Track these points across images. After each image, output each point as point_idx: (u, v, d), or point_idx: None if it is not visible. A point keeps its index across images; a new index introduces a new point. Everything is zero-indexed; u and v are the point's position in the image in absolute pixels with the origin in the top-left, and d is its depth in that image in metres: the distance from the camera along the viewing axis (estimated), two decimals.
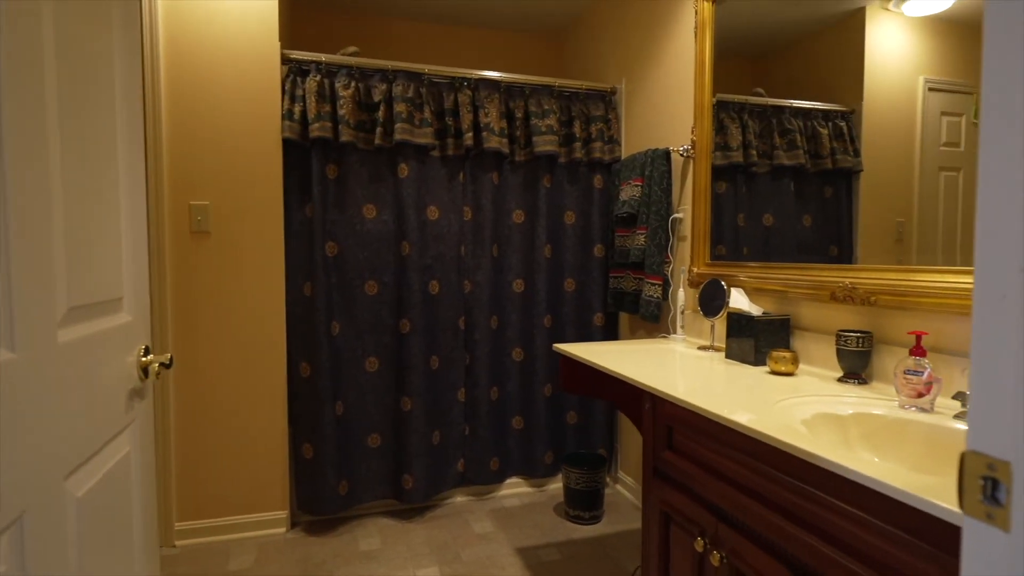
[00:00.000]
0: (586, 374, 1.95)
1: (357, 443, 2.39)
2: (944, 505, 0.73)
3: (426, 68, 2.39)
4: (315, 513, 2.32)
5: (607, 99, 2.69)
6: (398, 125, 2.31)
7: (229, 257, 2.22)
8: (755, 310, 1.71)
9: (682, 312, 2.13)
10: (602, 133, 2.64)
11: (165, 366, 1.07)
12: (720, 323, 1.97)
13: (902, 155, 1.46)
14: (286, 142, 2.27)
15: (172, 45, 2.12)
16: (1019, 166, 0.45)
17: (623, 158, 2.63)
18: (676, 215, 2.27)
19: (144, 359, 1.05)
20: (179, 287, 2.18)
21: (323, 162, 2.30)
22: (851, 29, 1.59)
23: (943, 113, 1.37)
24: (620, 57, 2.70)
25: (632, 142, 2.63)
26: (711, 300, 1.86)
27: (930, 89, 1.41)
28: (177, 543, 2.21)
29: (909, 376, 1.19)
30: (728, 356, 1.74)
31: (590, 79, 3.00)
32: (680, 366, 1.62)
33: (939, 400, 1.21)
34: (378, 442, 2.42)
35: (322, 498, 2.30)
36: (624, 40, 2.67)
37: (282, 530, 2.32)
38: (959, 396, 1.09)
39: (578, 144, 2.60)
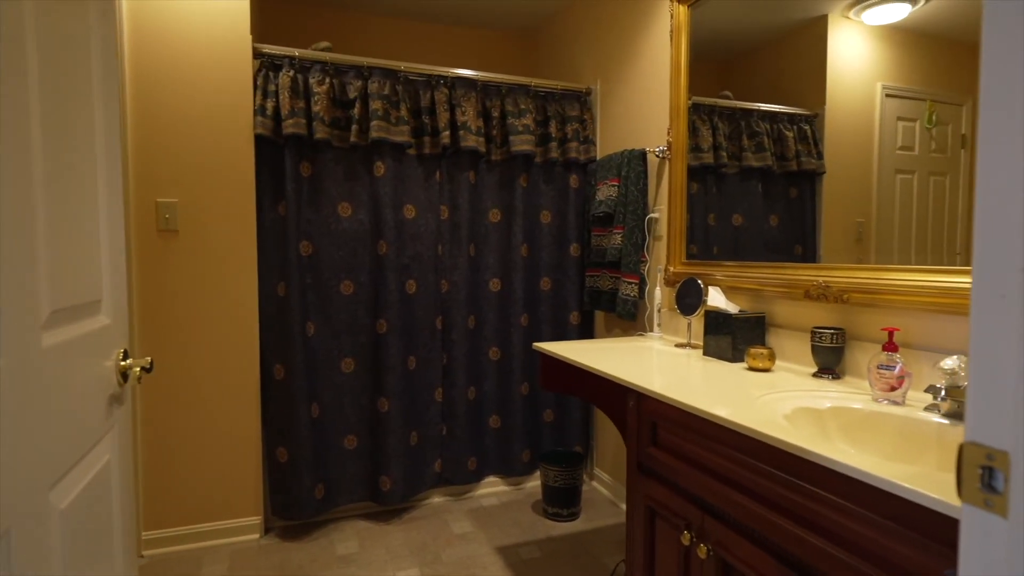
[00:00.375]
0: (566, 372, 1.96)
1: (333, 445, 2.35)
2: (928, 493, 0.77)
3: (402, 65, 2.36)
4: (290, 518, 2.27)
5: (582, 99, 2.71)
6: (374, 123, 2.28)
7: (199, 256, 2.16)
8: (732, 308, 1.75)
9: (659, 310, 2.17)
10: (578, 133, 2.66)
11: (146, 370, 1.03)
12: (696, 321, 2.01)
13: (861, 158, 1.52)
14: (258, 138, 2.22)
15: (137, 35, 2.04)
16: (1018, 167, 0.48)
17: (599, 158, 2.66)
18: (652, 215, 2.30)
19: (123, 363, 1.01)
20: (146, 288, 2.10)
21: (297, 159, 2.25)
22: (814, 36, 1.65)
23: (899, 118, 1.44)
24: (595, 58, 2.73)
25: (607, 142, 2.66)
26: (688, 298, 1.90)
27: (887, 95, 1.47)
28: (144, 553, 2.13)
29: (882, 371, 1.24)
30: (706, 353, 1.78)
31: (564, 79, 3.02)
32: (661, 363, 1.65)
33: (910, 393, 1.26)
34: (355, 444, 2.39)
35: (298, 502, 2.25)
36: (599, 41, 2.70)
37: (256, 536, 2.26)
38: (931, 389, 1.15)
39: (554, 144, 2.62)
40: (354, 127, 2.28)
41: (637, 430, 1.44)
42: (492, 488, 2.71)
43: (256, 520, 2.27)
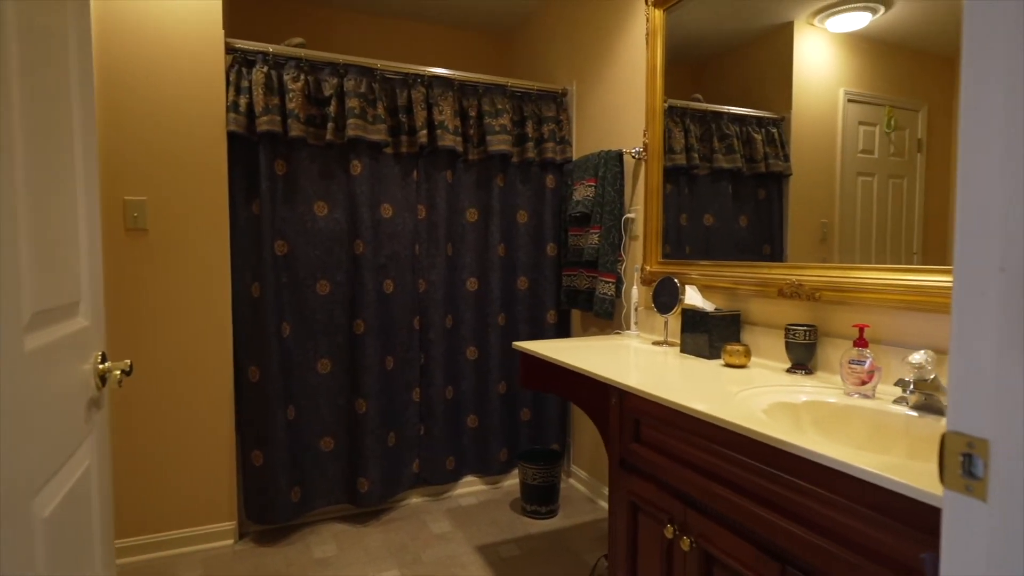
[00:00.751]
0: (546, 371, 1.97)
1: (310, 447, 2.32)
2: (905, 481, 0.81)
3: (378, 63, 2.34)
4: (266, 522, 2.23)
5: (558, 100, 2.74)
6: (351, 121, 2.26)
7: (169, 256, 2.10)
8: (708, 306, 1.79)
9: (636, 309, 2.21)
10: (554, 134, 2.68)
11: (126, 373, 1.00)
12: (673, 319, 2.06)
13: (825, 161, 1.58)
14: (231, 135, 2.17)
15: (103, 27, 1.97)
16: (997, 170, 0.51)
17: (575, 159, 2.68)
18: (629, 215, 2.34)
19: (101, 366, 0.98)
20: (113, 288, 2.03)
21: (271, 157, 2.21)
22: (781, 42, 1.70)
23: (860, 123, 1.50)
24: (571, 59, 2.75)
25: (583, 143, 2.69)
26: (665, 297, 1.94)
27: (849, 100, 1.53)
28: (115, 562, 2.06)
29: (853, 366, 1.30)
30: (683, 351, 1.81)
31: (539, 79, 3.04)
32: (641, 361, 1.68)
33: (880, 387, 1.32)
34: (331, 446, 2.36)
35: (274, 506, 2.22)
36: (575, 42, 2.72)
37: (230, 542, 2.22)
38: (900, 383, 1.20)
39: (531, 144, 2.63)
40: (330, 125, 2.25)
41: (619, 427, 1.47)
42: (470, 487, 2.71)
43: (230, 525, 2.22)
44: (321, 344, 2.33)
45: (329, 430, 2.35)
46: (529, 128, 2.63)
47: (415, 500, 2.59)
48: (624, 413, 1.45)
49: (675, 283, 1.90)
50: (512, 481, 2.80)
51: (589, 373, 1.52)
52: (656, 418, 1.33)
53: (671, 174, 2.13)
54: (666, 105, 2.14)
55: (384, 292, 2.42)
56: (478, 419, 2.67)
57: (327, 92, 2.27)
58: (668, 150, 2.14)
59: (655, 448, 1.35)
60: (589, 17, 2.60)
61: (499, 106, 2.57)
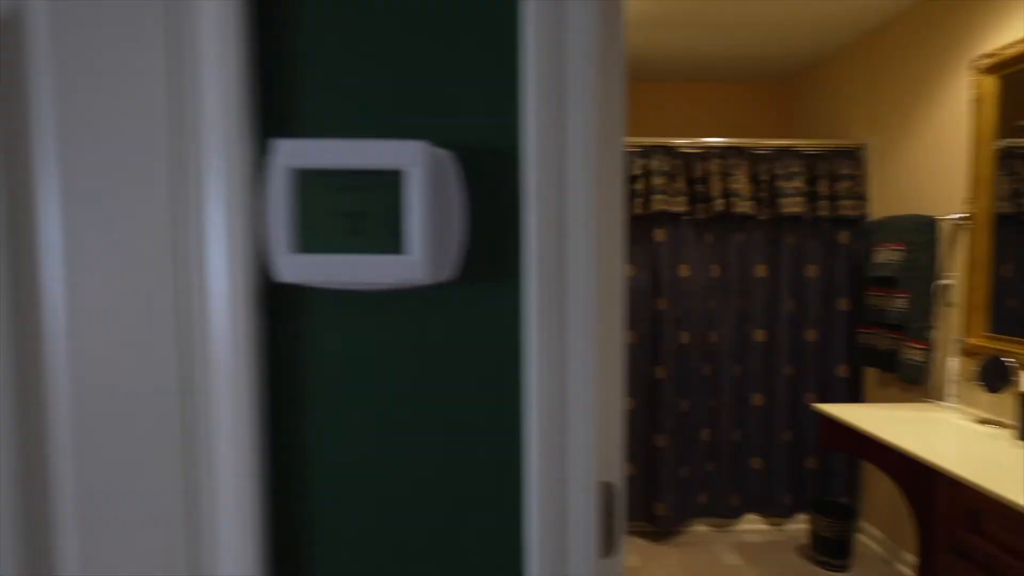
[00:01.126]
0: (851, 436, 2.08)
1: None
2: None
3: (677, 141, 2.68)
4: None
5: (854, 156, 2.75)
6: (656, 196, 2.64)
7: None
8: None
9: (954, 381, 2.17)
10: (849, 191, 2.71)
11: None
12: (1007, 397, 1.99)
13: None
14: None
15: None
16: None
17: (873, 215, 2.67)
18: (943, 281, 2.29)
19: None
20: None
21: None
22: None
23: None
24: (868, 114, 2.74)
25: (884, 200, 2.66)
26: (993, 376, 1.90)
27: None
28: None
29: None
30: (1022, 438, 1.78)
31: (825, 132, 3.05)
32: (972, 446, 1.71)
33: None
34: (634, 472, 2.78)
35: None
36: (873, 97, 2.70)
37: None
38: None
39: (823, 202, 2.71)
40: (638, 200, 2.66)
41: (949, 514, 1.56)
42: (753, 525, 2.90)
43: None
44: (626, 385, 2.76)
45: (631, 458, 2.77)
46: (822, 186, 2.71)
47: (702, 528, 2.88)
48: (958, 501, 1.54)
49: (1004, 364, 1.86)
50: (795, 526, 2.91)
51: (921, 459, 1.62)
52: (1001, 516, 1.41)
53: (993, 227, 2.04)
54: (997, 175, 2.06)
55: (681, 343, 2.75)
56: (763, 462, 2.84)
57: (635, 171, 2.69)
58: (1013, 195, 2.04)
59: (998, 544, 1.43)
60: (891, 74, 2.57)
61: (791, 169, 2.70)
